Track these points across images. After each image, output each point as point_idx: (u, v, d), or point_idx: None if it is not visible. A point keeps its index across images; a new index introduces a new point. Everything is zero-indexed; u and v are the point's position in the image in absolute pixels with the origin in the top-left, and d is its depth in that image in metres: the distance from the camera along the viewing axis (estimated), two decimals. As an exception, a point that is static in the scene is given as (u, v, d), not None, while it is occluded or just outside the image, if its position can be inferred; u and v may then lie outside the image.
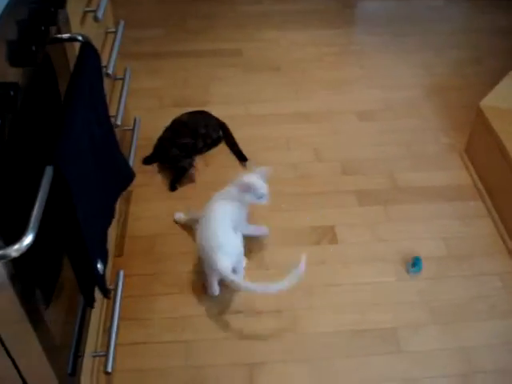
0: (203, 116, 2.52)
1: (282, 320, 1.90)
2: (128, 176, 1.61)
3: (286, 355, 1.81)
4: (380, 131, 2.63)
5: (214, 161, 2.48)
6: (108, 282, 1.68)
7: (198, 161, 2.43)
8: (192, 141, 2.34)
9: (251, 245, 2.09)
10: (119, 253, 2.09)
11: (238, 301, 1.94)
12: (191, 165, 2.32)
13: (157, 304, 1.94)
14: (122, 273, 1.71)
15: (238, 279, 1.83)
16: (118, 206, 2.16)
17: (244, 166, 2.45)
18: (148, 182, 2.36)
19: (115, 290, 1.64)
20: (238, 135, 2.57)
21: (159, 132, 2.49)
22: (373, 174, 2.41)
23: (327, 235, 2.16)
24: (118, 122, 1.72)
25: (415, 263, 2.03)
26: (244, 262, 1.99)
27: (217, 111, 2.70)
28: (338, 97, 2.84)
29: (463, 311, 1.93)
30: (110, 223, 1.52)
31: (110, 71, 1.63)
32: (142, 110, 2.70)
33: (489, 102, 2.39)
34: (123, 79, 1.92)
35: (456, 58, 3.15)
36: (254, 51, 3.16)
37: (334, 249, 2.12)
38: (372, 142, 2.57)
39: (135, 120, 2.10)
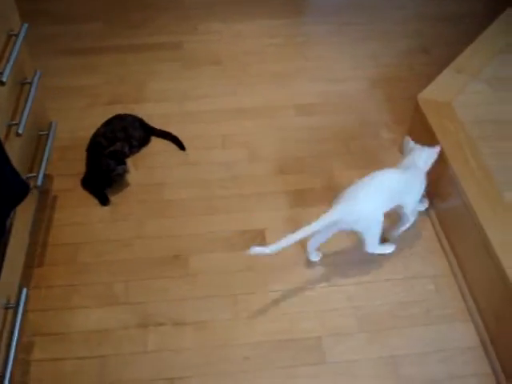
0: (118, 120, 2.42)
1: (203, 332, 1.83)
2: (20, 190, 1.51)
3: (207, 368, 1.74)
4: (318, 127, 2.55)
5: (145, 162, 2.39)
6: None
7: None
8: (119, 146, 2.23)
9: (182, 250, 2.02)
10: (40, 263, 2.01)
11: (159, 312, 1.87)
12: (125, 170, 2.22)
13: (74, 317, 1.87)
14: (24, 291, 1.62)
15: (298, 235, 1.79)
16: (42, 214, 2.09)
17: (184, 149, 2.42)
18: (74, 187, 2.27)
19: (16, 307, 1.56)
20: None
21: (90, 131, 2.37)
22: (309, 174, 2.34)
23: (256, 239, 2.09)
24: (20, 131, 1.62)
25: None
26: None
27: (151, 109, 2.62)
28: (277, 91, 2.75)
29: (394, 317, 1.86)
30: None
31: (4, 79, 1.53)
32: (75, 110, 2.62)
33: (427, 94, 2.32)
34: (31, 83, 1.81)
35: (404, 48, 3.06)
36: (196, 44, 3.05)
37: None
38: (309, 138, 2.49)
39: (51, 125, 2.00)
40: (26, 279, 1.88)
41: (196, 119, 2.59)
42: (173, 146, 2.45)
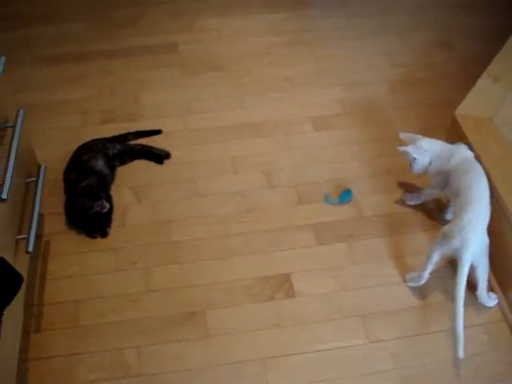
0: (86, 145, 2.15)
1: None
2: (11, 284, 1.23)
3: None
4: (339, 143, 2.28)
5: (148, 195, 2.11)
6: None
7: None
8: (92, 180, 1.95)
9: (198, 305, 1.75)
10: (37, 327, 1.74)
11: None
12: (103, 207, 1.93)
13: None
14: None
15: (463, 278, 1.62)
16: (35, 265, 1.82)
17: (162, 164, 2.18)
18: (65, 229, 1.98)
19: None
20: (174, 157, 2.22)
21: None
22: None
23: (282, 287, 1.83)
24: (4, 196, 1.33)
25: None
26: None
27: (149, 127, 2.31)
28: (290, 101, 2.46)
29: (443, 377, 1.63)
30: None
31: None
32: (62, 131, 2.32)
33: (464, 109, 2.05)
34: (14, 127, 1.50)
35: (422, 43, 2.78)
36: (192, 46, 2.74)
37: (290, 305, 1.79)
38: (329, 157, 2.22)
39: (40, 169, 1.70)
40: (22, 352, 1.60)
41: (200, 139, 2.30)
42: (178, 174, 2.16)
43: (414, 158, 1.88)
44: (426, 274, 1.74)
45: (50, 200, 2.03)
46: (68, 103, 2.45)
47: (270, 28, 2.85)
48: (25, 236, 1.52)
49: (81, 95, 2.49)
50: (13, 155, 1.42)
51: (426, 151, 1.87)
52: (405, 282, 1.83)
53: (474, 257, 1.64)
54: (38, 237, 1.91)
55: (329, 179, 2.14)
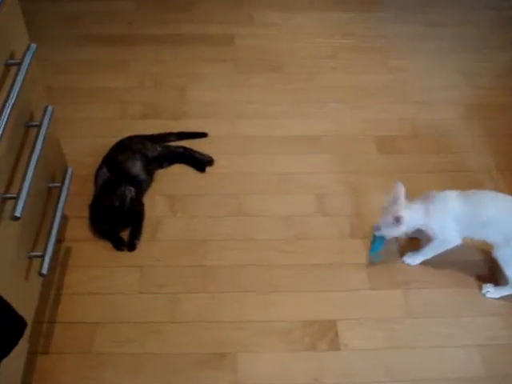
0: (124, 143, 1.92)
1: None
2: (13, 330, 1.01)
3: None
4: (404, 170, 2.01)
5: (185, 207, 1.88)
6: None
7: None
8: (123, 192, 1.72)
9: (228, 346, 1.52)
10: (45, 349, 1.53)
11: None
12: (126, 191, 1.72)
13: None
14: None
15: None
16: (52, 274, 1.61)
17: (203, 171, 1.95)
18: (90, 236, 1.77)
19: None
20: (219, 166, 1.99)
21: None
22: (389, 240, 1.80)
23: (326, 336, 1.58)
24: (17, 214, 1.10)
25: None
26: None
27: (194, 128, 2.08)
28: (354, 114, 2.20)
29: None
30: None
31: None
32: (99, 122, 2.10)
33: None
34: (39, 126, 1.28)
35: (504, 64, 2.47)
36: (250, 40, 2.48)
37: (334, 358, 1.54)
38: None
39: (66, 172, 1.48)
40: (25, 375, 1.39)
41: (249, 148, 2.06)
42: (220, 186, 1.92)
43: None
44: None
45: (78, 200, 1.82)
46: (107, 91, 2.23)
47: (337, 28, 2.58)
48: (40, 253, 1.29)
49: (122, 84, 2.27)
50: (33, 163, 1.19)
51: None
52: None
53: None
54: (59, 241, 1.70)
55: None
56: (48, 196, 1.45)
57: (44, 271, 1.25)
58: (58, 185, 1.45)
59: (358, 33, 2.56)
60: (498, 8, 2.77)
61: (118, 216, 1.72)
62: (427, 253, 1.70)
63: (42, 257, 1.28)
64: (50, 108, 1.32)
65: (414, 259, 1.74)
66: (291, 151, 2.05)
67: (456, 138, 2.14)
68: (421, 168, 2.02)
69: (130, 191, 1.70)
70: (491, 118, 2.23)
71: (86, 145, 2.01)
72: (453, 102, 2.28)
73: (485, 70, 2.43)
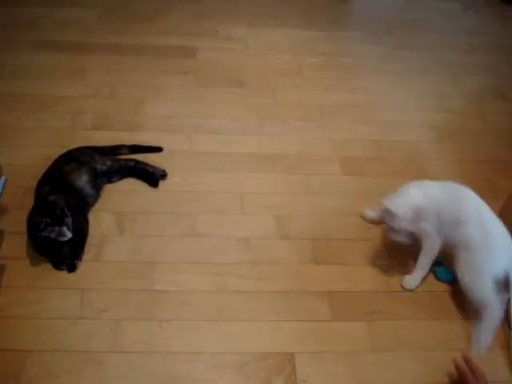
0: (71, 154, 1.79)
1: None
2: None
3: None
4: (368, 193, 1.92)
5: (134, 226, 1.74)
6: None
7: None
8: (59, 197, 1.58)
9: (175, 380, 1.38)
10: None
11: None
12: (60, 234, 1.54)
13: None
14: None
15: None
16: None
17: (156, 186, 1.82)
18: (27, 254, 1.61)
19: None
20: (173, 182, 1.87)
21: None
22: (353, 267, 1.70)
23: (283, 370, 1.45)
24: None
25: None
26: None
27: (149, 142, 1.95)
28: (318, 133, 2.12)
29: None
30: None
31: None
32: (47, 131, 1.96)
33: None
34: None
35: (474, 89, 2.43)
36: (214, 54, 2.39)
37: (290, 396, 1.42)
38: (356, 209, 1.85)
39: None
40: None
41: (207, 164, 1.94)
42: (174, 204, 1.80)
43: None
44: None
45: (16, 214, 1.68)
46: (60, 99, 2.10)
47: (304, 46, 2.51)
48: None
49: (76, 92, 2.15)
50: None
51: None
52: None
53: None
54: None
55: (354, 237, 1.77)
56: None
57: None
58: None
59: (325, 51, 2.49)
60: (472, 33, 2.76)
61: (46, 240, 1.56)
62: (422, 263, 1.65)
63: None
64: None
65: (414, 279, 1.66)
66: (251, 169, 1.94)
67: (425, 162, 2.07)
68: (386, 191, 1.91)
69: (60, 201, 1.54)
70: (460, 143, 2.18)
71: (31, 155, 1.87)
72: (419, 125, 2.22)
73: (453, 94, 2.39)
